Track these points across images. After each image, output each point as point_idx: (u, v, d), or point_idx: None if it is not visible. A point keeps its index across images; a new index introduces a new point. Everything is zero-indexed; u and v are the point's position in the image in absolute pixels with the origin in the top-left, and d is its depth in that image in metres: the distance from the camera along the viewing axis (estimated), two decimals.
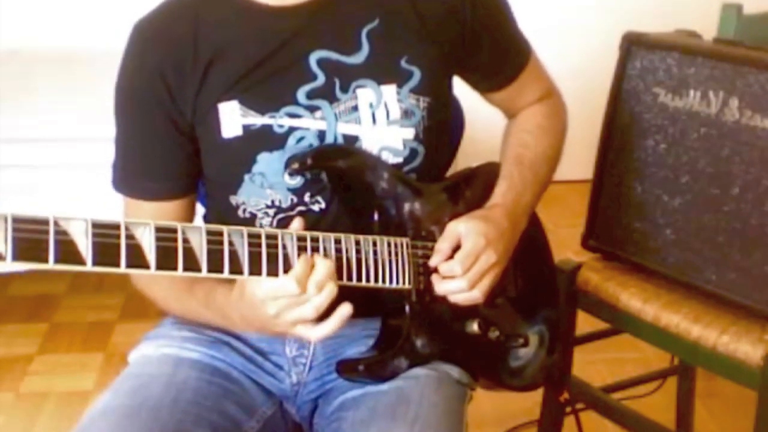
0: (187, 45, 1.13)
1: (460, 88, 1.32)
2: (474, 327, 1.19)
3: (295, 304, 1.03)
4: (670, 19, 1.77)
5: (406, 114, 1.18)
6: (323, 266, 1.03)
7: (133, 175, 1.20)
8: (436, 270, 1.16)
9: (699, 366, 1.72)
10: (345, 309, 1.05)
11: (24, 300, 2.71)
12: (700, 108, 1.40)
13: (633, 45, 1.49)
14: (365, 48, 1.16)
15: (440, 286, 1.15)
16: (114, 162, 1.21)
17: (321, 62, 1.15)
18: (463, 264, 1.13)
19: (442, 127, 1.25)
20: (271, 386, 1.23)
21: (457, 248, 1.15)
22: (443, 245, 1.15)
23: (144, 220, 0.93)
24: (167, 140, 1.16)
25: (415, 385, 1.14)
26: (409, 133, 1.19)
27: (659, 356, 1.92)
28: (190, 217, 1.23)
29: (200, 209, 1.31)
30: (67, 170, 2.36)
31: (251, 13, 1.15)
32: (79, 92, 2.52)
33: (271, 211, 1.18)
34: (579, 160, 1.88)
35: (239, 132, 1.14)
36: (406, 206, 1.17)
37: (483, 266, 1.15)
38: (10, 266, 0.84)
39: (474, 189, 1.27)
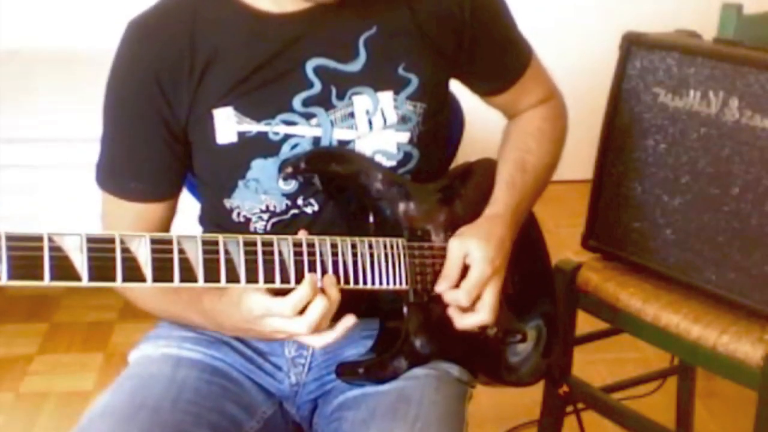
0: (184, 46, 1.12)
1: (460, 87, 1.32)
2: None
3: (288, 324, 1.03)
4: (670, 19, 1.77)
5: (403, 119, 1.18)
6: (320, 306, 1.02)
7: (120, 174, 1.19)
8: (435, 273, 1.16)
9: (699, 366, 1.73)
10: (349, 320, 1.05)
11: (24, 300, 2.71)
12: (700, 108, 1.40)
13: (633, 45, 1.49)
14: (362, 56, 1.15)
15: (463, 322, 1.16)
16: (99, 159, 1.20)
17: (317, 70, 1.14)
18: (470, 295, 1.14)
19: (438, 130, 1.24)
20: (270, 386, 1.22)
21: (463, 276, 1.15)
22: (451, 272, 1.15)
23: (139, 232, 0.93)
24: (157, 142, 1.15)
25: (415, 385, 1.14)
26: (404, 137, 1.18)
27: (659, 356, 1.92)
28: (169, 219, 1.23)
29: (196, 209, 1.30)
30: (67, 170, 2.36)
31: (249, 18, 1.14)
32: (79, 92, 2.51)
33: (266, 216, 1.18)
34: (579, 160, 1.88)
35: (234, 139, 1.14)
36: (401, 206, 1.17)
37: (493, 296, 1.16)
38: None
39: (469, 187, 1.27)
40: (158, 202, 1.19)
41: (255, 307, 1.02)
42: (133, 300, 1.21)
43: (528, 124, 1.34)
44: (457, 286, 1.15)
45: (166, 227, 1.22)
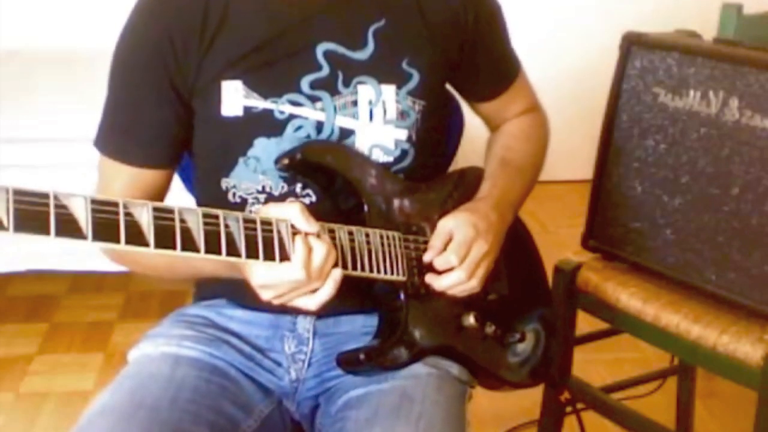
0: (197, 11, 1.13)
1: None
2: (471, 320, 1.20)
3: (296, 290, 1.02)
4: (670, 19, 1.77)
5: (402, 115, 1.19)
6: (320, 251, 1.01)
7: (121, 136, 1.18)
8: (430, 266, 1.16)
9: (699, 366, 1.73)
10: (337, 273, 1.04)
11: (24, 300, 2.71)
12: (700, 108, 1.41)
13: (633, 45, 1.49)
14: (371, 45, 1.17)
15: (439, 282, 1.16)
16: (101, 121, 1.20)
17: (327, 54, 1.16)
18: (458, 253, 1.14)
19: (435, 131, 1.26)
20: (270, 383, 1.22)
21: (449, 243, 1.16)
22: (436, 242, 1.16)
23: (141, 200, 0.92)
24: (164, 106, 1.16)
25: (417, 384, 1.15)
26: (402, 134, 1.20)
27: (659, 356, 1.92)
28: (164, 191, 1.22)
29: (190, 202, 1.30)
30: (67, 170, 2.36)
31: None
32: (79, 92, 2.52)
33: (262, 197, 1.18)
34: (579, 160, 1.88)
35: (239, 113, 1.15)
36: (396, 203, 1.18)
37: (477, 255, 1.16)
38: (11, 245, 0.83)
39: (461, 189, 1.28)
40: (155, 168, 1.19)
41: (255, 278, 1.01)
42: (140, 261, 1.19)
43: (511, 127, 1.38)
44: None
45: (160, 198, 1.22)
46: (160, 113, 1.16)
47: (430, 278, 1.16)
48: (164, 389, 1.12)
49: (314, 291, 1.04)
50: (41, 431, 2.14)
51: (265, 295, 1.04)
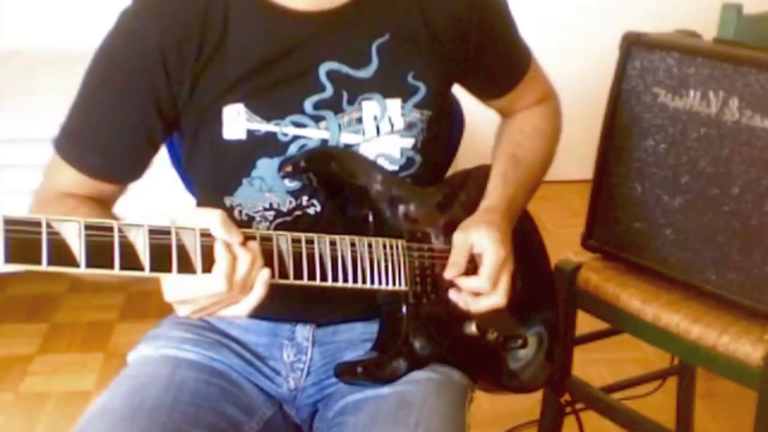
0: (195, 24, 1.09)
1: (460, 89, 1.32)
2: (472, 328, 1.19)
3: (218, 303, 0.96)
4: (670, 19, 1.77)
5: (409, 126, 1.17)
6: (245, 260, 0.94)
7: (85, 145, 1.13)
8: (438, 277, 1.15)
9: (699, 366, 1.73)
10: (265, 273, 0.97)
11: (24, 300, 2.71)
12: (700, 108, 1.40)
13: (633, 45, 1.49)
14: (375, 62, 1.15)
15: (477, 305, 1.15)
16: (66, 123, 1.14)
17: (330, 74, 1.13)
18: (491, 280, 1.13)
19: (440, 136, 1.24)
20: (269, 389, 1.22)
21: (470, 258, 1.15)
22: (459, 258, 1.14)
23: (137, 222, 0.90)
24: (139, 121, 1.11)
25: (416, 389, 1.14)
26: (409, 142, 1.18)
27: (659, 356, 1.92)
28: (116, 200, 1.17)
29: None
30: None
31: (266, 10, 1.11)
32: None
33: (269, 215, 1.17)
34: (579, 160, 1.88)
35: (242, 136, 1.12)
36: (401, 208, 1.17)
37: (508, 277, 1.16)
38: (2, 267, 0.83)
39: (468, 191, 1.27)
40: (112, 183, 1.15)
41: (168, 295, 0.95)
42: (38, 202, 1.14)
43: (522, 122, 1.35)
44: (466, 273, 1.15)
45: (111, 205, 1.17)
46: (132, 127, 1.11)
47: (465, 299, 1.15)
48: (164, 391, 1.11)
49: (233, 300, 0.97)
50: (41, 431, 2.14)
51: (182, 312, 0.97)
